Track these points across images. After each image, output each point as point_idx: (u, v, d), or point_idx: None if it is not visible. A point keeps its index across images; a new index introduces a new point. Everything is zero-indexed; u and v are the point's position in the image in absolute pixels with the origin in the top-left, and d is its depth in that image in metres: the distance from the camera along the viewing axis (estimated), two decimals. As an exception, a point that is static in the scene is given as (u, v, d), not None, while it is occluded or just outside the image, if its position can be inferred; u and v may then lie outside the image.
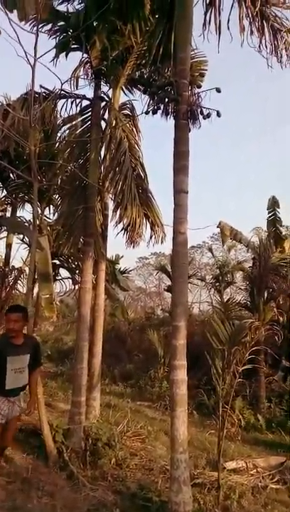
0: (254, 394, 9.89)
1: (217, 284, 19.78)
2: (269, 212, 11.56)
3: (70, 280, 10.72)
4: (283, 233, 12.07)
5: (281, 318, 10.76)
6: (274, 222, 11.57)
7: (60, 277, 10.52)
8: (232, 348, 4.90)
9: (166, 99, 4.30)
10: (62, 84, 4.96)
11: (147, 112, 4.39)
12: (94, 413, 6.93)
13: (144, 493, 4.36)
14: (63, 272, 10.81)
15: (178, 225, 3.98)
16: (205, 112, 4.28)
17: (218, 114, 4.33)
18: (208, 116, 4.28)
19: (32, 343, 4.19)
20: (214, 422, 7.79)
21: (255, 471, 5.42)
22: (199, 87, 4.37)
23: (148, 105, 4.39)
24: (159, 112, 4.54)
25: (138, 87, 7.61)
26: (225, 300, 15.34)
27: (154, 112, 4.37)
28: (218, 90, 4.32)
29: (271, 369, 12.16)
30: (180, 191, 3.99)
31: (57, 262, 10.21)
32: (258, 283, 10.53)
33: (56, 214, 8.02)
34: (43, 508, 4.05)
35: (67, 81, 5.54)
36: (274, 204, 11.50)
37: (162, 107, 4.47)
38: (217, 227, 11.05)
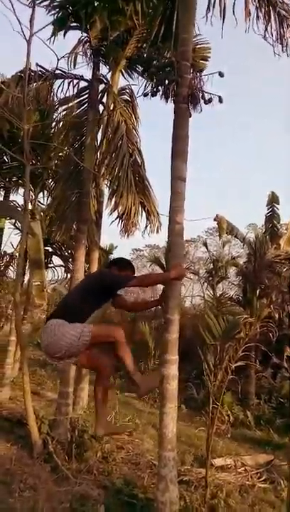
0: (244, 390, 9.83)
1: (210, 278, 19.70)
2: (267, 209, 11.42)
3: (63, 268, 10.53)
4: (280, 230, 11.96)
5: (276, 315, 10.68)
6: (271, 218, 11.44)
7: (52, 265, 10.32)
8: (225, 344, 4.77)
9: (166, 81, 4.08)
10: (58, 61, 4.70)
11: (146, 94, 4.18)
12: (81, 404, 6.80)
13: (130, 489, 4.25)
14: (56, 260, 10.62)
15: (174, 213, 3.79)
16: (207, 96, 4.07)
17: (220, 100, 4.13)
18: (210, 101, 4.07)
19: None
20: (203, 417, 7.78)
21: (243, 469, 5.33)
22: (201, 70, 4.16)
23: (145, 87, 4.14)
24: (158, 94, 4.33)
25: (138, 70, 7.37)
26: (218, 295, 15.29)
27: (153, 95, 4.15)
28: (221, 74, 4.11)
29: (261, 365, 12.13)
30: (177, 178, 3.80)
31: (50, 250, 10.00)
32: (252, 279, 10.43)
33: (49, 199, 7.77)
34: (24, 502, 3.92)
35: (64, 57, 5.28)
36: (272, 200, 11.36)
37: (161, 90, 4.25)
38: (214, 220, 10.91)
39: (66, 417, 5.46)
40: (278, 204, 11.39)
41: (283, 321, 11.44)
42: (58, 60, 5.34)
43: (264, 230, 11.95)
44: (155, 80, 4.07)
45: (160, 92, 4.20)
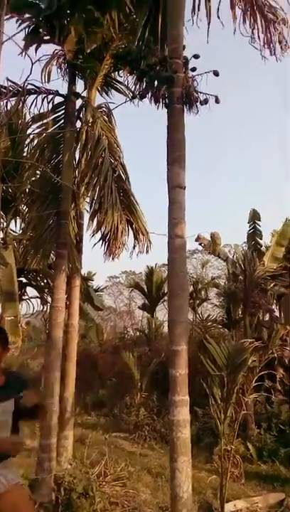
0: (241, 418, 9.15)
1: (191, 300, 19.26)
2: (249, 226, 11.20)
3: (39, 300, 9.73)
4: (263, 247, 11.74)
5: (265, 335, 10.20)
6: (253, 235, 11.21)
7: (26, 297, 9.52)
8: (232, 374, 4.22)
9: (156, 82, 3.69)
10: (29, 74, 4.22)
11: (134, 97, 3.77)
12: (65, 455, 5.95)
13: None
14: (31, 291, 9.82)
15: (173, 226, 3.31)
16: (202, 97, 3.70)
17: (217, 101, 3.78)
18: (205, 102, 3.71)
19: (18, 380, 2.74)
20: (198, 453, 7.08)
21: (258, 516, 4.66)
22: (193, 69, 3.81)
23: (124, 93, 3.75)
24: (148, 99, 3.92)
25: (117, 87, 7.04)
26: (203, 317, 14.79)
27: (142, 97, 3.75)
28: (216, 73, 3.78)
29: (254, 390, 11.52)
30: (175, 186, 3.35)
31: (24, 280, 9.23)
32: (239, 298, 10.02)
33: (23, 225, 7.13)
34: None
35: (35, 63, 4.79)
36: (254, 217, 11.17)
37: (150, 93, 3.85)
38: (196, 240, 10.56)
39: (49, 474, 4.64)
40: (259, 221, 11.19)
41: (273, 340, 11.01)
42: (30, 73, 4.90)
43: (246, 247, 11.67)
44: (145, 81, 3.65)
45: (149, 95, 3.78)
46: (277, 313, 11.69)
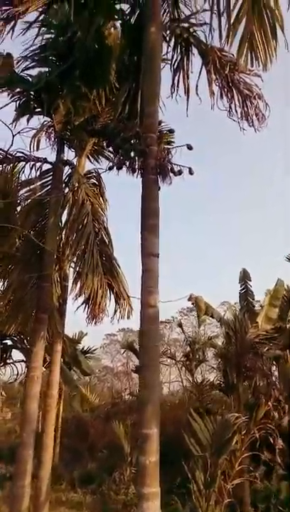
0: (236, 497, 8.30)
1: (188, 362, 18.57)
2: (240, 286, 11.10)
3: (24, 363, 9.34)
4: (256, 307, 11.54)
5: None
6: (245, 295, 11.07)
7: (11, 361, 9.16)
8: (215, 455, 3.86)
9: (132, 153, 3.80)
10: (11, 145, 4.41)
11: (111, 168, 3.86)
12: None
13: None
14: (17, 354, 9.48)
15: (146, 295, 3.21)
16: (176, 168, 3.78)
17: (190, 172, 3.86)
18: (180, 173, 3.79)
19: None
20: None
21: None
22: (168, 143, 3.96)
23: (112, 161, 3.90)
24: (124, 169, 4.01)
25: (106, 155, 7.32)
26: (198, 381, 14.13)
27: (119, 168, 3.84)
28: (189, 147, 3.91)
29: (251, 463, 10.67)
30: (148, 254, 3.30)
31: (9, 343, 8.94)
32: (233, 361, 9.62)
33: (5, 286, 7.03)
34: None
35: (19, 133, 5.03)
36: (245, 277, 11.11)
37: (127, 163, 3.95)
38: (188, 300, 10.39)
39: None
40: (250, 281, 11.13)
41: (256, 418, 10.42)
42: (12, 144, 5.14)
43: (239, 307, 11.48)
44: (120, 153, 3.77)
45: (127, 165, 3.88)
46: (277, 376, 11.20)
